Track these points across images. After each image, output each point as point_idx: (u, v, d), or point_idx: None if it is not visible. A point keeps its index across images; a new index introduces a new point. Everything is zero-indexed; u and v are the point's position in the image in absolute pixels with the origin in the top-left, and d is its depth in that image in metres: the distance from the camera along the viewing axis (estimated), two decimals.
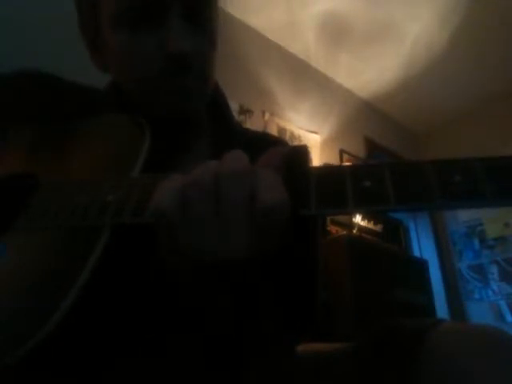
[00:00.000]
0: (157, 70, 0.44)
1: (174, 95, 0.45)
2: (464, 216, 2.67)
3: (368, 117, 2.82)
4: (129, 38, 0.44)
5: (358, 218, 2.23)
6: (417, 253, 2.65)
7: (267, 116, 2.16)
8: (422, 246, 2.71)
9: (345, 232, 1.99)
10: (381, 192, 0.26)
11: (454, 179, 0.24)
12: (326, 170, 0.29)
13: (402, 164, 0.27)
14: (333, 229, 2.07)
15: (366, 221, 2.26)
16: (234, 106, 1.96)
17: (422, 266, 1.95)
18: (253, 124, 2.03)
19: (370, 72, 2.62)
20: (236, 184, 0.26)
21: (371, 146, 2.71)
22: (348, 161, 2.45)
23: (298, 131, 2.27)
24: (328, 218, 2.06)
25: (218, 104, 0.58)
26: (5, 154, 0.47)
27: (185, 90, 0.45)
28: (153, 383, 0.38)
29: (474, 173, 0.24)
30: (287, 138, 2.18)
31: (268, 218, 0.25)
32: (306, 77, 2.50)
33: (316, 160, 2.26)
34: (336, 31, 2.34)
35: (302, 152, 0.30)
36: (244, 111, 2.05)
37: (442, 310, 2.36)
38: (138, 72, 0.45)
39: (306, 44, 2.43)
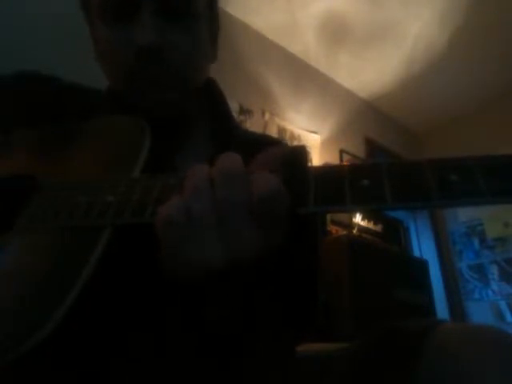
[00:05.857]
0: (129, 62, 0.45)
1: (147, 86, 0.46)
2: (464, 216, 2.67)
3: (368, 117, 2.82)
4: (108, 31, 0.46)
5: (358, 218, 2.23)
6: (417, 253, 2.65)
7: (267, 116, 2.16)
8: (422, 246, 2.71)
9: (345, 232, 1.99)
10: (379, 190, 0.26)
11: (452, 177, 0.24)
12: (325, 170, 0.29)
13: (399, 163, 0.27)
14: (333, 229, 2.07)
15: (366, 221, 2.26)
16: (234, 106, 1.96)
17: (422, 265, 1.95)
18: (253, 124, 2.03)
19: (370, 72, 2.62)
20: (231, 185, 0.26)
21: (371, 146, 2.71)
22: (348, 161, 2.45)
23: (297, 131, 2.27)
24: (328, 218, 2.06)
25: (217, 104, 0.58)
26: (6, 155, 0.47)
27: (154, 80, 0.46)
28: (154, 382, 0.39)
29: (472, 171, 0.24)
30: (287, 138, 2.18)
31: (265, 208, 0.26)
32: (306, 77, 2.50)
33: (316, 160, 2.26)
34: (336, 31, 2.34)
35: (300, 152, 0.30)
36: (244, 111, 2.05)
37: (442, 310, 2.36)
38: (113, 63, 0.47)
39: (306, 44, 2.43)
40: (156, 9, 0.45)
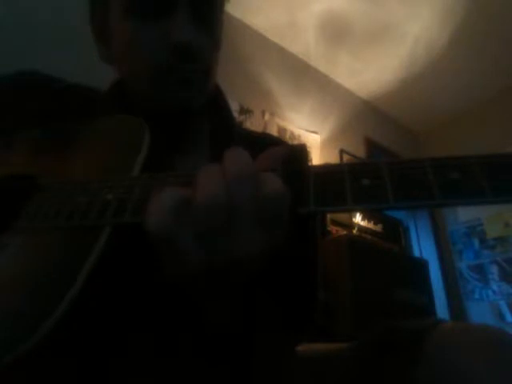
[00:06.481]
0: (160, 59, 0.45)
1: (178, 84, 0.46)
2: (464, 216, 2.67)
3: (368, 117, 2.82)
4: (138, 27, 0.45)
5: (358, 218, 2.23)
6: (417, 253, 2.65)
7: (267, 116, 2.16)
8: (422, 246, 2.71)
9: (345, 232, 1.99)
10: (379, 190, 0.26)
11: (453, 176, 0.24)
12: (325, 169, 0.29)
13: (400, 162, 0.27)
14: (333, 229, 2.07)
15: (366, 221, 2.26)
16: (234, 106, 1.96)
17: (422, 266, 1.95)
18: (253, 124, 2.03)
19: (370, 72, 2.62)
20: (241, 184, 0.26)
21: (371, 146, 2.71)
22: (348, 161, 2.45)
23: (298, 131, 2.27)
24: (328, 219, 2.06)
25: (218, 104, 0.58)
26: (6, 155, 0.47)
27: (185, 80, 0.46)
28: (153, 382, 0.38)
29: (473, 170, 0.24)
30: (287, 137, 2.18)
31: (269, 208, 0.25)
32: (306, 77, 2.50)
33: (316, 160, 2.26)
34: (336, 31, 2.34)
35: (300, 151, 0.30)
36: (244, 111, 2.05)
37: (442, 310, 2.36)
38: (144, 60, 0.46)
39: (306, 44, 2.43)
40: (189, 9, 0.45)
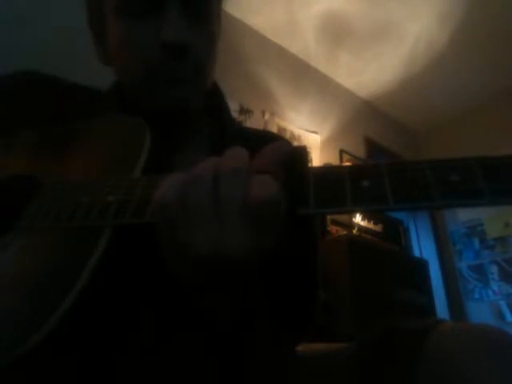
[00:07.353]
0: (153, 58, 0.44)
1: (168, 83, 0.46)
2: (464, 216, 2.67)
3: (368, 117, 2.82)
4: (129, 26, 0.45)
5: (358, 218, 2.23)
6: (417, 253, 2.65)
7: (267, 116, 2.16)
8: (422, 246, 2.71)
9: (345, 232, 1.99)
10: (379, 192, 0.26)
11: (452, 178, 0.24)
12: (325, 171, 0.29)
13: (400, 163, 0.27)
14: (333, 229, 2.07)
15: (366, 221, 2.26)
16: (234, 106, 1.96)
17: (422, 266, 1.95)
18: (253, 124, 2.03)
19: (370, 72, 2.62)
20: (236, 182, 0.26)
21: (371, 146, 2.71)
22: (348, 161, 2.45)
23: (298, 131, 2.27)
24: (328, 219, 2.06)
25: (216, 103, 0.58)
26: (7, 155, 0.47)
27: (175, 78, 0.46)
28: (153, 382, 0.39)
29: (472, 172, 0.24)
30: (287, 138, 2.18)
31: (261, 213, 0.25)
32: (306, 77, 2.50)
33: (316, 160, 2.26)
34: (336, 31, 2.34)
35: (300, 152, 0.30)
36: (244, 111, 2.05)
37: (442, 310, 2.36)
38: (135, 59, 0.46)
39: (305, 44, 2.43)
40: (181, 5, 0.45)
